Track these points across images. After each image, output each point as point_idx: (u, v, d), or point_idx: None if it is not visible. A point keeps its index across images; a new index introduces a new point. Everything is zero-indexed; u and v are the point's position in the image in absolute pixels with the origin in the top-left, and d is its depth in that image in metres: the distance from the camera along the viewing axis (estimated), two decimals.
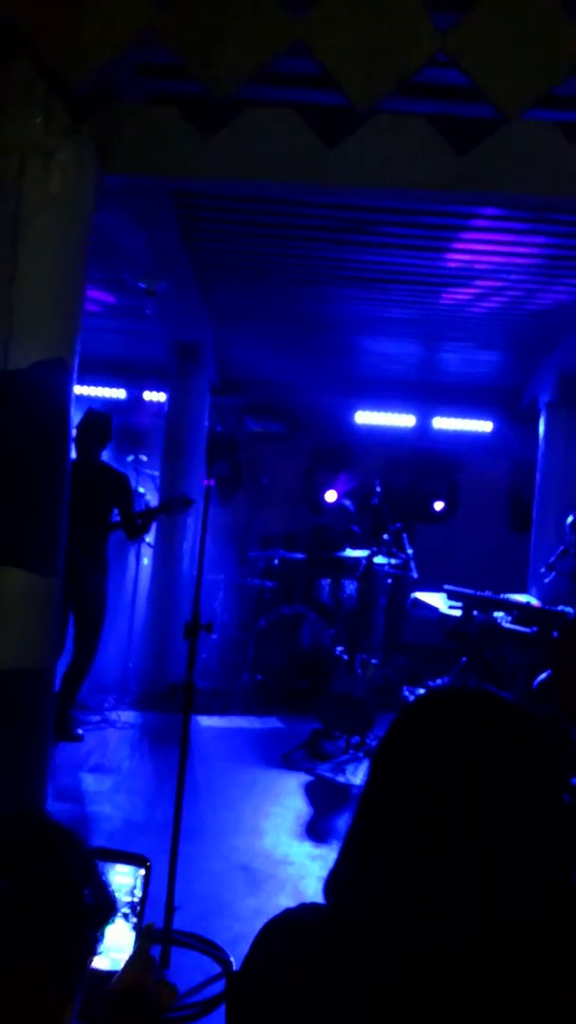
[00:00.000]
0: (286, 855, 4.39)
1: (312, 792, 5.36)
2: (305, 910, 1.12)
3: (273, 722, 6.80)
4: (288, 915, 1.12)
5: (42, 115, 2.97)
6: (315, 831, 4.76)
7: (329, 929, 1.04)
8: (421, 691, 6.90)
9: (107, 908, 1.14)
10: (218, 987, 3.24)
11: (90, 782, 5.17)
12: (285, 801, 5.15)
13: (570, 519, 6.15)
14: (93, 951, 1.11)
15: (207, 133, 3.15)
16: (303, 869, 4.23)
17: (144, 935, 1.42)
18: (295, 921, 1.11)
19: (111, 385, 8.68)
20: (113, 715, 6.47)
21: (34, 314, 3.06)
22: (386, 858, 0.99)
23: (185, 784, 3.48)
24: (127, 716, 6.53)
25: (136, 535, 6.04)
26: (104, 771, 5.38)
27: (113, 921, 1.17)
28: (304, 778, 5.58)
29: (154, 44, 2.60)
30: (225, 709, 6.93)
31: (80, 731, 5.88)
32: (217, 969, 3.37)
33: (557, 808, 0.99)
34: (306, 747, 5.99)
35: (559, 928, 0.95)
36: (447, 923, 0.94)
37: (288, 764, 5.79)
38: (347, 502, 8.16)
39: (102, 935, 1.13)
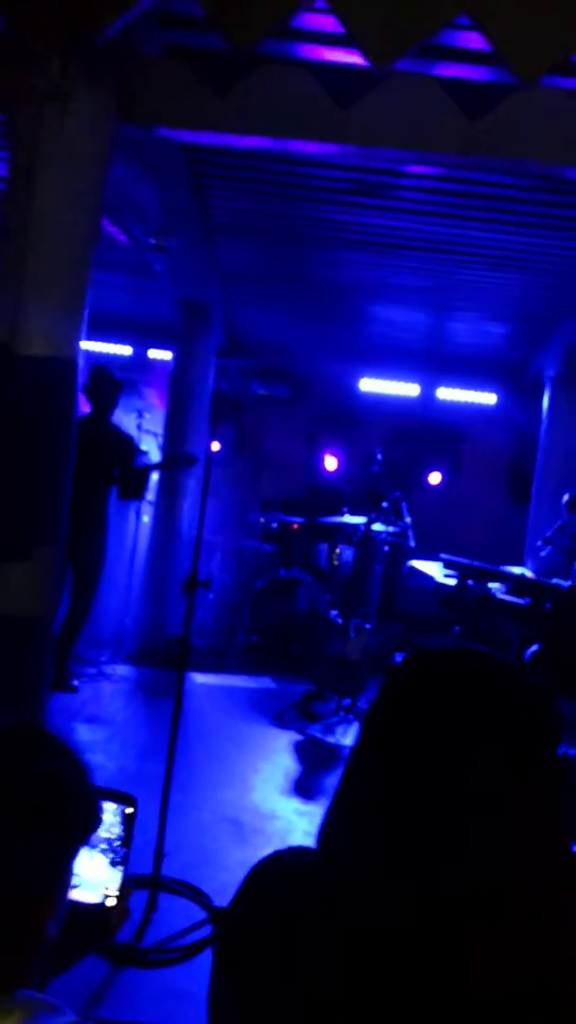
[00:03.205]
0: (273, 810, 4.47)
1: (302, 751, 5.44)
2: (294, 853, 1.11)
3: (266, 682, 6.88)
4: (278, 857, 1.12)
5: (60, 64, 2.95)
6: (303, 788, 4.84)
7: (321, 873, 1.03)
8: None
9: (92, 811, 1.20)
10: (202, 933, 3.32)
11: (84, 732, 5.25)
12: (275, 758, 5.24)
13: (566, 497, 6.18)
14: (74, 852, 1.16)
15: (221, 88, 3.13)
16: (289, 824, 4.31)
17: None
18: (286, 863, 1.10)
19: (117, 341, 8.68)
20: (109, 669, 6.55)
21: (46, 263, 3.06)
22: (379, 815, 0.98)
23: (178, 738, 3.55)
24: (122, 670, 6.61)
25: (128, 496, 6.06)
26: (98, 722, 5.46)
27: (98, 829, 1.23)
28: (295, 737, 5.66)
29: None
30: (220, 667, 7.01)
31: (76, 683, 5.95)
32: (202, 915, 3.46)
33: (551, 765, 0.98)
34: (298, 707, 6.07)
35: (552, 886, 0.94)
36: (443, 871, 0.93)
37: (280, 723, 5.88)
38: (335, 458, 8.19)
39: (85, 839, 1.19)
